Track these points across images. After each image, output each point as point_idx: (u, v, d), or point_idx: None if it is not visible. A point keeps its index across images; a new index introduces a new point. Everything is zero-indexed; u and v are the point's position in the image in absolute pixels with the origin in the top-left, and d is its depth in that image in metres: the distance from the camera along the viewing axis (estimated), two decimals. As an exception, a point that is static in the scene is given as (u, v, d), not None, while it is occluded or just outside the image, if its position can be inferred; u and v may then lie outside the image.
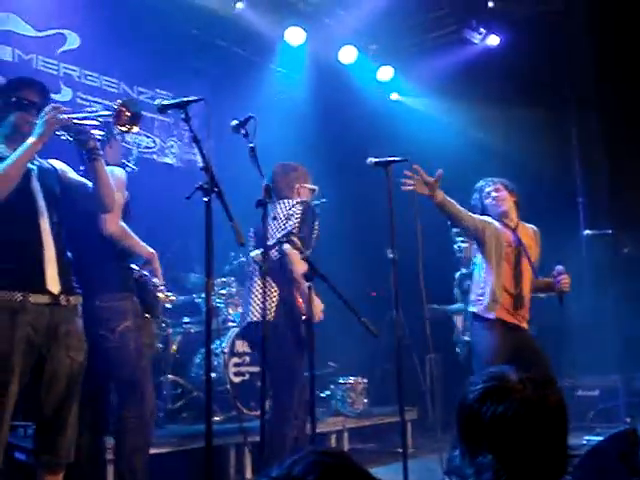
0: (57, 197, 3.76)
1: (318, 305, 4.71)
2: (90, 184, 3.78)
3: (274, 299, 4.71)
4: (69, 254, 3.73)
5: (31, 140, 3.49)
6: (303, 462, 1.28)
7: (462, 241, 6.79)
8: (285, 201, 4.93)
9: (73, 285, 3.71)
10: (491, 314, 4.96)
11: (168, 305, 6.01)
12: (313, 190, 5.17)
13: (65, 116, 3.53)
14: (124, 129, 3.60)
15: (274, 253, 4.68)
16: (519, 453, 1.71)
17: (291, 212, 4.80)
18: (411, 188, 4.62)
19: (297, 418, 4.73)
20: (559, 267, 5.07)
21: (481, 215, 5.14)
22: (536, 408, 1.73)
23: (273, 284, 4.71)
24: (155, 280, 4.42)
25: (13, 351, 3.40)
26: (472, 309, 5.10)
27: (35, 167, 3.71)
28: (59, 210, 3.73)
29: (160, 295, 4.45)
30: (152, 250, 4.38)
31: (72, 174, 3.91)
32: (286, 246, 4.62)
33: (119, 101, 3.57)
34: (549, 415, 1.74)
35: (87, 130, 3.62)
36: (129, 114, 3.58)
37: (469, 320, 5.22)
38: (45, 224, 3.61)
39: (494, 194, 5.19)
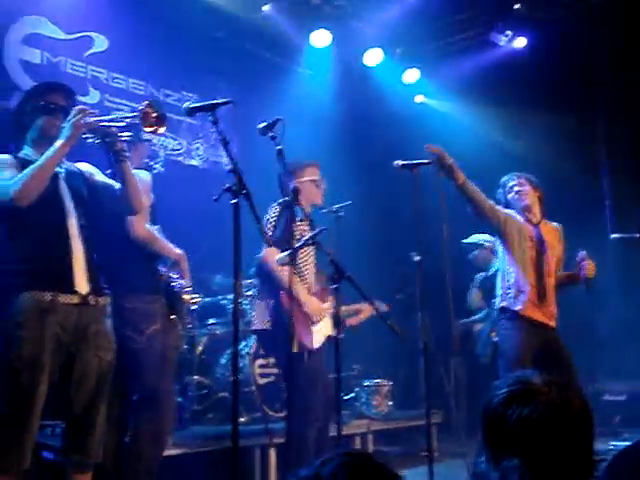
0: (85, 199, 3.80)
1: (316, 304, 4.76)
2: (117, 186, 3.81)
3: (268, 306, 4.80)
4: (96, 256, 3.76)
5: (59, 143, 3.53)
6: (331, 463, 1.29)
7: (476, 247, 6.81)
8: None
9: (102, 286, 3.75)
10: (518, 305, 4.97)
11: (194, 306, 6.04)
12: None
13: (92, 119, 3.56)
14: (151, 130, 3.62)
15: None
16: (544, 456, 1.70)
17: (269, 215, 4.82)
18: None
19: (318, 420, 4.73)
20: (582, 252, 5.06)
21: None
22: (561, 411, 1.72)
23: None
24: (182, 282, 4.43)
25: (43, 351, 3.44)
26: (502, 304, 5.09)
27: (63, 170, 3.75)
28: (87, 212, 3.77)
29: (185, 297, 4.46)
30: (180, 251, 4.39)
31: (99, 176, 3.94)
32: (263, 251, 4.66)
33: (145, 102, 3.59)
34: (574, 418, 1.73)
35: (114, 132, 3.64)
36: (155, 115, 3.60)
37: (496, 319, 5.20)
38: (73, 226, 3.66)
39: (517, 188, 5.20)
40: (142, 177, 4.20)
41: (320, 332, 4.73)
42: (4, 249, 3.61)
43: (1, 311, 3.54)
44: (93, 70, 7.02)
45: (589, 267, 5.02)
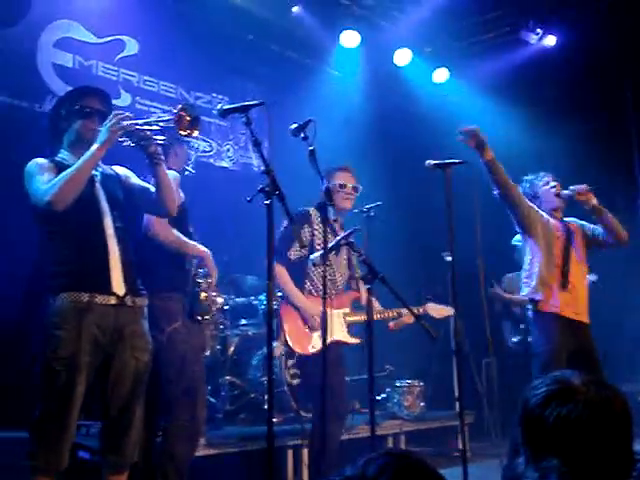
0: (120, 202, 3.84)
1: (314, 309, 4.83)
2: (153, 189, 3.84)
3: None
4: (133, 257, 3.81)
5: (95, 147, 3.57)
6: (376, 462, 1.29)
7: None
8: None
9: (139, 287, 3.79)
10: (539, 295, 4.99)
11: (226, 307, 6.07)
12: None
13: (128, 122, 3.60)
14: (186, 133, 3.65)
15: None
16: (584, 456, 1.69)
17: None
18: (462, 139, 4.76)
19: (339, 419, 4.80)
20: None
21: None
22: (600, 410, 1.71)
23: None
24: (203, 280, 4.42)
25: (80, 351, 3.48)
26: (523, 293, 5.15)
27: (98, 173, 3.80)
28: (123, 214, 3.82)
29: (202, 295, 4.43)
30: (205, 249, 4.41)
31: (135, 179, 3.99)
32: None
33: (179, 106, 3.63)
34: (613, 417, 1.72)
35: (149, 136, 3.68)
36: (189, 118, 3.63)
37: (530, 318, 5.18)
38: (109, 228, 3.70)
39: (553, 183, 5.19)
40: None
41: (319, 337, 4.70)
42: (44, 251, 3.67)
43: (40, 312, 3.60)
44: (124, 73, 7.08)
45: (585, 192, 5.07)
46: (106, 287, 3.61)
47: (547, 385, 1.79)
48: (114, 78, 6.99)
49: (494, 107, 8.88)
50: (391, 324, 5.03)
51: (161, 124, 3.68)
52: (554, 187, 5.20)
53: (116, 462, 3.72)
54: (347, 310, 5.06)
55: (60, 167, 3.63)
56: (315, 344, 4.83)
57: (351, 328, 5.09)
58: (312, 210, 4.98)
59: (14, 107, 6.16)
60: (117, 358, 3.67)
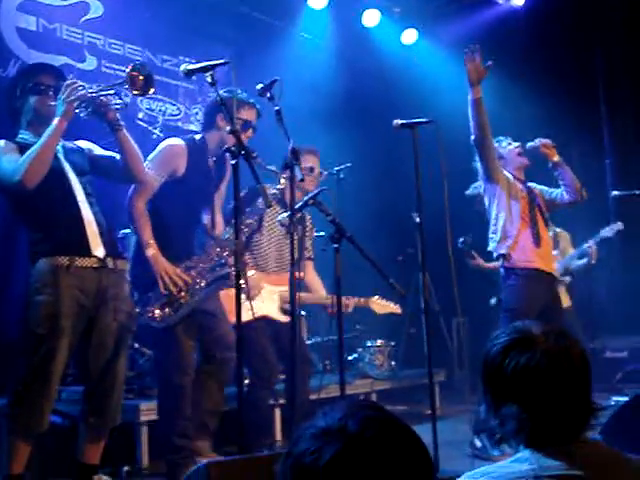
0: (86, 171, 3.87)
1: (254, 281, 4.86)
2: (117, 156, 3.85)
3: None
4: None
5: (56, 120, 3.58)
6: (356, 417, 1.24)
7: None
8: None
9: (119, 250, 3.82)
10: (506, 248, 5.08)
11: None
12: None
13: (81, 91, 3.61)
14: (139, 93, 3.66)
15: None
16: (542, 403, 1.74)
17: None
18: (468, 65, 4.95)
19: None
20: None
21: None
22: (558, 359, 1.75)
23: None
24: None
25: (61, 314, 3.49)
26: (489, 247, 5.26)
27: (60, 147, 3.80)
28: (91, 182, 3.86)
29: None
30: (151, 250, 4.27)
31: (99, 150, 4.02)
32: None
33: (130, 66, 3.64)
34: (571, 366, 1.76)
35: (106, 102, 3.68)
36: (142, 77, 3.65)
37: (500, 272, 5.26)
38: (80, 194, 3.73)
39: (516, 144, 5.35)
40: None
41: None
42: (17, 223, 3.70)
43: (17, 279, 3.64)
44: (89, 36, 6.96)
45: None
46: (85, 250, 3.65)
47: (507, 334, 1.83)
48: (79, 41, 6.87)
49: (461, 68, 8.87)
50: (329, 310, 4.99)
51: (115, 88, 3.68)
52: (517, 147, 5.29)
53: (97, 424, 3.76)
54: (284, 289, 5.01)
55: (22, 147, 3.64)
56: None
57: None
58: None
59: (-23, 71, 6.07)
60: (99, 321, 3.69)
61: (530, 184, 5.37)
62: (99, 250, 3.68)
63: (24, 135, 3.75)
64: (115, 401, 3.77)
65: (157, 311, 4.10)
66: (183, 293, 4.13)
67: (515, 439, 1.79)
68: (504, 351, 1.79)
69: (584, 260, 6.85)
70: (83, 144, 4.00)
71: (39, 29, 6.56)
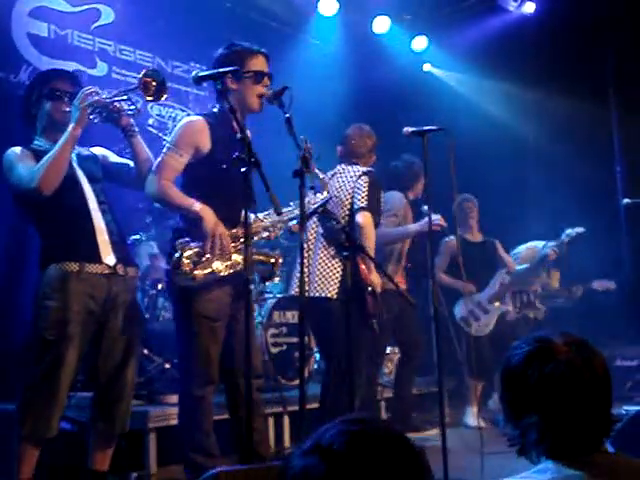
0: (99, 179, 3.87)
1: (376, 277, 4.70)
2: (131, 164, 3.86)
3: (337, 274, 4.72)
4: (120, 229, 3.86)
5: (70, 127, 3.59)
6: (330, 431, 1.28)
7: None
8: (351, 170, 4.95)
9: (130, 257, 3.83)
10: None
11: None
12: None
13: (96, 97, 3.63)
14: (153, 99, 3.67)
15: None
16: (564, 414, 1.74)
17: (358, 184, 4.87)
18: None
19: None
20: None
21: None
22: (582, 369, 1.75)
23: (336, 258, 4.70)
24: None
25: (70, 320, 3.50)
26: None
27: (74, 155, 3.80)
28: (104, 190, 3.86)
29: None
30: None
31: (113, 157, 4.03)
32: (360, 219, 4.69)
33: (143, 72, 3.65)
34: (594, 376, 1.76)
35: (119, 108, 3.69)
36: (155, 83, 3.66)
37: None
38: (93, 202, 3.73)
39: None
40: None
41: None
42: (28, 229, 3.71)
43: (28, 285, 3.64)
44: (100, 42, 6.97)
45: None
46: (95, 257, 3.65)
47: (528, 344, 1.83)
48: (90, 47, 6.88)
49: (471, 77, 8.88)
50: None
51: (128, 94, 3.70)
52: None
53: (106, 430, 3.75)
54: None
55: (37, 154, 3.65)
56: None
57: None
58: None
59: (-12, 78, 6.09)
60: (109, 327, 3.69)
61: None
62: (109, 258, 3.69)
63: (39, 142, 3.77)
64: (124, 407, 3.77)
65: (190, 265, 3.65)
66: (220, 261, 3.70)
67: (536, 450, 1.78)
68: (526, 361, 1.79)
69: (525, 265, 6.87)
70: (97, 151, 4.02)
71: (50, 35, 6.58)
